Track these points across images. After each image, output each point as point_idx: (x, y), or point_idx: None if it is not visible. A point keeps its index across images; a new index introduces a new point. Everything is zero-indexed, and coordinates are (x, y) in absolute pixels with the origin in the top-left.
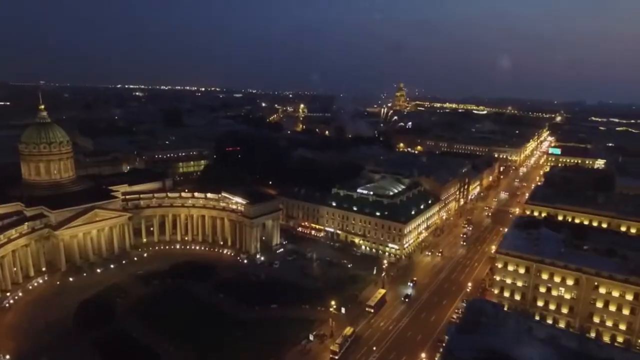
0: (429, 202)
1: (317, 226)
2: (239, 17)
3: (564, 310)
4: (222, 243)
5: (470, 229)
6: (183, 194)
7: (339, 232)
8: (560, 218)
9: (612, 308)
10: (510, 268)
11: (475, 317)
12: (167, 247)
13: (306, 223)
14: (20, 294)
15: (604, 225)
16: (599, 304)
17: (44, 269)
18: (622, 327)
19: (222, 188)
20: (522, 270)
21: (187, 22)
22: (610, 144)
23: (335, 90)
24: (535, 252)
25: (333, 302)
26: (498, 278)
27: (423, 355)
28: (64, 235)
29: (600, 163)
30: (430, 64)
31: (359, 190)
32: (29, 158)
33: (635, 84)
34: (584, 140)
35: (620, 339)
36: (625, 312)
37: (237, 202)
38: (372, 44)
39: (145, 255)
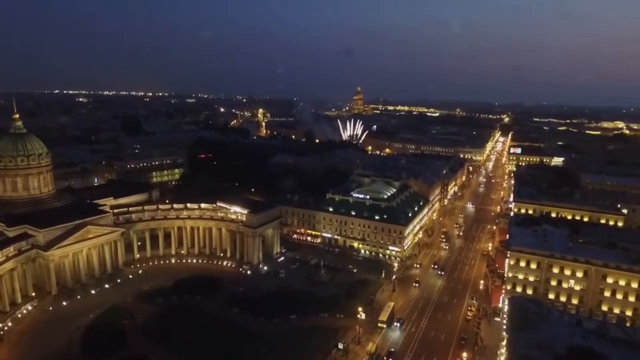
0: (421, 203)
1: (314, 232)
2: (185, 19)
3: (574, 301)
4: (220, 255)
5: (462, 229)
6: (175, 206)
7: (337, 237)
8: (553, 214)
9: (619, 296)
10: (522, 264)
11: (521, 315)
12: (162, 262)
13: (302, 230)
14: (9, 324)
15: (586, 219)
16: (607, 293)
17: (33, 293)
18: (629, 313)
19: (217, 198)
20: (533, 266)
21: (128, 22)
22: (560, 143)
23: (288, 94)
24: (546, 247)
25: (360, 309)
26: (510, 274)
27: (464, 355)
28: (55, 255)
29: (558, 161)
30: (378, 68)
31: (354, 195)
32: (4, 173)
33: (564, 87)
34: (536, 139)
35: (627, 325)
36: (631, 299)
37: (236, 211)
38: (323, 50)
39: (140, 272)
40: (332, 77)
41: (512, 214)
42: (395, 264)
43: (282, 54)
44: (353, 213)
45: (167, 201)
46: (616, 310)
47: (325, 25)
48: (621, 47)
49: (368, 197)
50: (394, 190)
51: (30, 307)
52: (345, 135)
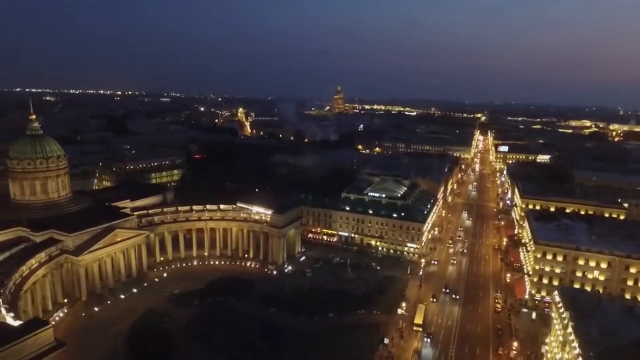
0: (432, 200)
1: (330, 231)
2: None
3: (600, 290)
4: (242, 256)
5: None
6: (194, 207)
7: (354, 235)
8: (552, 209)
9: None
10: (549, 257)
11: (572, 304)
12: (184, 265)
13: (318, 229)
14: None
15: (590, 213)
16: (630, 282)
17: (65, 300)
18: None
19: (230, 198)
20: (560, 258)
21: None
22: (541, 141)
23: (264, 94)
24: (571, 241)
25: (404, 304)
26: (537, 267)
27: (515, 344)
28: (85, 260)
29: (544, 158)
30: (353, 68)
31: (370, 194)
32: (22, 176)
33: (531, 87)
34: (518, 137)
35: None
36: None
37: (259, 212)
38: (298, 50)
39: (165, 275)
40: (308, 76)
41: (517, 209)
42: (423, 260)
43: (257, 53)
44: (370, 211)
45: (189, 203)
46: (639, 297)
47: (301, 26)
48: (583, 51)
49: (384, 195)
50: (405, 188)
51: (61, 314)
52: (336, 135)
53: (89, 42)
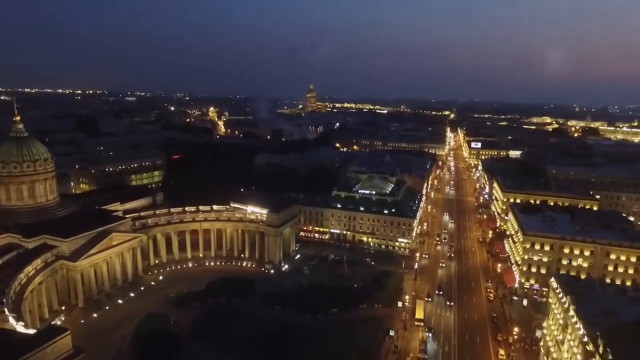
0: (418, 196)
1: (322, 229)
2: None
3: (582, 276)
4: (237, 256)
5: (453, 218)
6: (187, 208)
7: (345, 232)
8: (532, 202)
9: (621, 269)
10: (537, 247)
11: (569, 290)
12: (180, 267)
13: (309, 227)
14: None
15: (566, 205)
16: (610, 268)
17: (63, 307)
18: (628, 283)
19: (227, 199)
20: (547, 248)
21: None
22: (510, 137)
23: (231, 92)
24: (557, 231)
25: (407, 297)
26: (526, 257)
27: (516, 329)
28: (82, 265)
29: (515, 154)
30: (321, 67)
31: (360, 191)
32: (9, 180)
33: (492, 85)
34: (488, 134)
35: None
36: (630, 271)
37: (255, 211)
38: (266, 48)
39: (161, 278)
40: (277, 75)
41: (497, 203)
42: (418, 254)
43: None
44: (362, 209)
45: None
46: (617, 282)
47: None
48: (539, 51)
49: (374, 192)
50: (392, 185)
51: (59, 322)
52: (315, 133)
53: (41, 37)
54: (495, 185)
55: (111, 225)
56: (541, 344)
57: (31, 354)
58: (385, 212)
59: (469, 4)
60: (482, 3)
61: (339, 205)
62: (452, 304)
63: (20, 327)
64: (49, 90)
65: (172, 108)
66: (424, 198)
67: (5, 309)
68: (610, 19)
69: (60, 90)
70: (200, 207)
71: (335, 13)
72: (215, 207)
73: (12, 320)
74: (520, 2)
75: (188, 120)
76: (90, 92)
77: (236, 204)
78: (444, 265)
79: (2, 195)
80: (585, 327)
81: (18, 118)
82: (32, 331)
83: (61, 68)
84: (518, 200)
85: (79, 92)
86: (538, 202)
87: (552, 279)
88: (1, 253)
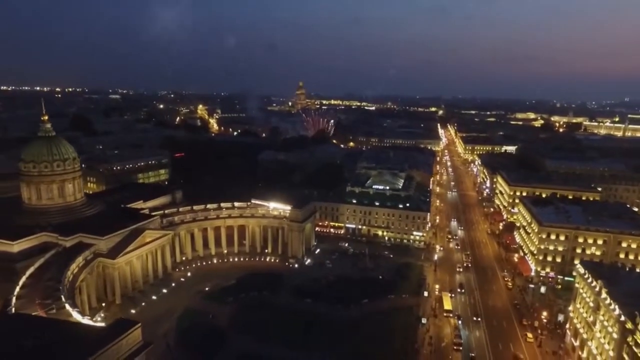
0: (428, 191)
1: (337, 224)
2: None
3: None
4: (260, 251)
5: (460, 212)
6: (209, 206)
7: (360, 227)
8: (537, 194)
9: (631, 257)
10: (552, 237)
11: (598, 275)
12: (205, 263)
13: (325, 222)
14: None
15: (570, 197)
16: (622, 255)
17: (104, 304)
18: (639, 270)
19: (244, 196)
20: (562, 237)
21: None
22: (501, 133)
23: (216, 90)
24: (572, 222)
25: (437, 286)
26: (542, 246)
27: (545, 313)
28: (120, 263)
29: (511, 149)
30: (307, 64)
31: (374, 186)
32: (38, 179)
33: (474, 81)
34: (480, 130)
35: None
36: None
37: (277, 208)
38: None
39: (189, 274)
40: (262, 72)
41: (502, 197)
42: (437, 247)
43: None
44: (377, 203)
45: (201, 202)
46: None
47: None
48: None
49: (387, 187)
50: (402, 180)
51: (99, 319)
52: (313, 130)
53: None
54: (499, 179)
55: (143, 223)
56: (567, 326)
57: (110, 345)
58: (400, 206)
59: (444, 2)
60: (457, 1)
61: (354, 201)
62: (475, 289)
63: (86, 321)
64: (27, 88)
65: (161, 106)
66: (433, 192)
67: (66, 304)
68: (582, 16)
69: (38, 88)
70: (222, 204)
71: (316, 9)
72: (237, 204)
73: (76, 315)
74: (494, 0)
75: (178, 118)
76: (71, 89)
77: (257, 200)
78: (459, 249)
79: (32, 195)
80: (622, 308)
81: (46, 117)
82: (100, 324)
83: (36, 65)
84: (524, 194)
85: (59, 90)
86: (546, 195)
87: (578, 265)
88: (39, 251)
